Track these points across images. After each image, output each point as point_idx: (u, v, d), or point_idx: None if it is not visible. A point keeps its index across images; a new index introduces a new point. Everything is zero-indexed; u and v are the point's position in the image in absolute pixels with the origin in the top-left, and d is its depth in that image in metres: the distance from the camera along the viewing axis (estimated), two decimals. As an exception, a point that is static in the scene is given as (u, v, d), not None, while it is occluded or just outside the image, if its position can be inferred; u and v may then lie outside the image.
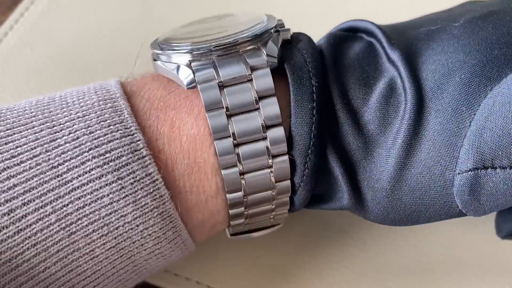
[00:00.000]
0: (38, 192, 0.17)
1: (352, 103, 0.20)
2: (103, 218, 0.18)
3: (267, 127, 0.19)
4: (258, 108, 0.19)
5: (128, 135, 0.18)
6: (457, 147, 0.18)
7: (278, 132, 0.19)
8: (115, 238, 0.18)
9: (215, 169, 0.19)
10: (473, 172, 0.18)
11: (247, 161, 0.19)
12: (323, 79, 0.20)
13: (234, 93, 0.18)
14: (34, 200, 0.17)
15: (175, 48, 0.19)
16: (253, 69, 0.19)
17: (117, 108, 0.19)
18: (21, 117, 0.19)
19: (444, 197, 0.19)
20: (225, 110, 0.18)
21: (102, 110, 0.19)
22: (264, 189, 0.19)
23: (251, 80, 0.19)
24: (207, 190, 0.19)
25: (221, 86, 0.18)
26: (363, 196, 0.20)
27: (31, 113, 0.19)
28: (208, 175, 0.19)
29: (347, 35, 0.21)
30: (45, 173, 0.17)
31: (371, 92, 0.20)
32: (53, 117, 0.19)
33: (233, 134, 0.18)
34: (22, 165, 0.18)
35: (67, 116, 0.19)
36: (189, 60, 0.19)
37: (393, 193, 0.19)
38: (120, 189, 0.18)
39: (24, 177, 0.17)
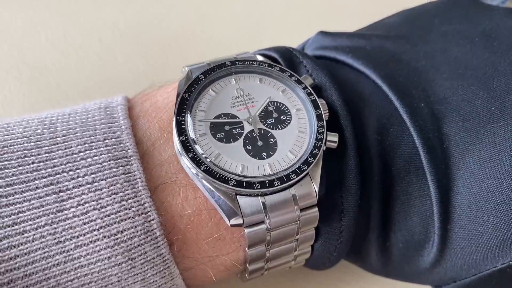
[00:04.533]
0: (41, 266, 0.16)
1: (384, 242, 0.21)
2: None
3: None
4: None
5: (142, 214, 0.17)
6: None
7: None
8: None
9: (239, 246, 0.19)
10: None
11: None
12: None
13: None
14: (36, 273, 0.16)
15: None
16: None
17: (130, 176, 0.18)
18: (20, 168, 0.17)
19: None
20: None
21: (113, 176, 0.17)
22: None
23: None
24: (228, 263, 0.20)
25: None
26: None
27: (32, 163, 0.17)
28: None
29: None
30: (50, 247, 0.16)
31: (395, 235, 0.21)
32: (58, 176, 0.17)
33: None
34: (25, 235, 0.16)
35: (74, 179, 0.17)
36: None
37: None
38: (130, 269, 0.17)
39: (27, 248, 0.16)
